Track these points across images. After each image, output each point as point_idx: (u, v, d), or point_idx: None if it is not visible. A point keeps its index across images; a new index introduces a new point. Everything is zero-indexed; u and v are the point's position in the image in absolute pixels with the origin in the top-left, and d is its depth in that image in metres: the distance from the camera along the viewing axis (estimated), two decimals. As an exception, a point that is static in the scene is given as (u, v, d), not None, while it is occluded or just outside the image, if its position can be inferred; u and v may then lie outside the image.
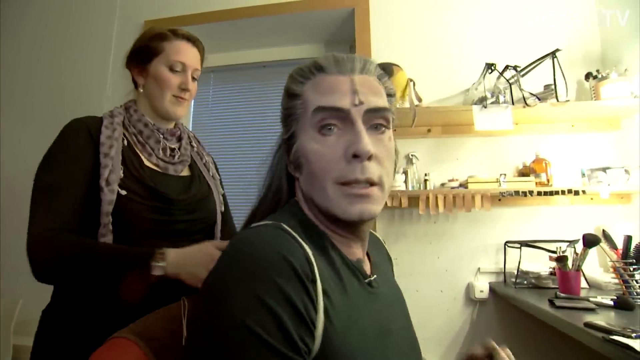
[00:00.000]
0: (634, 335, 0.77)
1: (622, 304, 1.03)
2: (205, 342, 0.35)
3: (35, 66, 2.06)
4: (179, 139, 0.94)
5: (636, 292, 1.09)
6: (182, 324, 0.58)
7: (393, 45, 1.72)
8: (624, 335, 0.77)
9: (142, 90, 0.90)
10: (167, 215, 0.81)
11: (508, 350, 0.56)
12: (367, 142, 0.44)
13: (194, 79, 0.92)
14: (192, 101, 1.01)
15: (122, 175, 0.78)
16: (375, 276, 0.52)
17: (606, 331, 0.81)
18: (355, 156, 0.44)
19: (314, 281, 0.38)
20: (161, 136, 0.89)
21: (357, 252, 0.51)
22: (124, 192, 0.76)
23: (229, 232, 0.98)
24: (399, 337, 0.50)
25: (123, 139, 0.84)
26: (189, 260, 0.71)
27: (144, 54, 0.89)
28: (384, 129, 0.48)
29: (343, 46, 2.08)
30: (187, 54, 0.90)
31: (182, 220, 0.84)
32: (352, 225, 0.48)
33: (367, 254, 0.56)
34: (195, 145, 1.01)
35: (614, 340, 0.76)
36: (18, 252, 2.04)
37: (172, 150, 0.91)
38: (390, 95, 0.52)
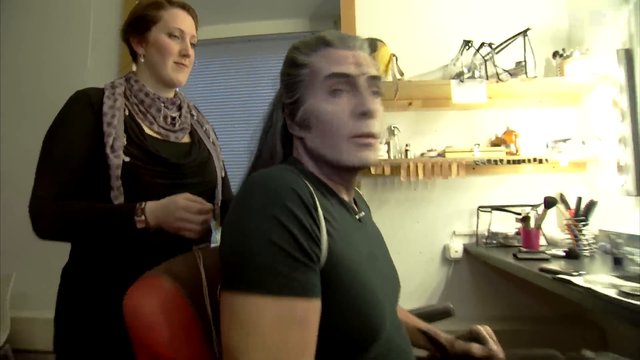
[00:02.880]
0: (574, 273, 0.92)
1: (571, 254, 1.20)
2: (240, 257, 0.45)
3: (18, 44, 2.02)
4: (179, 108, 0.97)
5: (583, 244, 1.26)
6: (199, 267, 0.67)
7: (377, 22, 1.78)
8: (568, 274, 0.92)
9: (142, 60, 0.92)
10: (170, 179, 0.86)
11: (488, 328, 0.68)
12: (372, 102, 0.54)
13: (192, 45, 0.94)
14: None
15: (125, 142, 0.82)
16: (362, 213, 0.63)
17: (554, 273, 0.97)
18: (364, 114, 0.54)
19: (316, 209, 0.48)
20: (162, 105, 0.92)
21: (347, 196, 0.61)
22: (127, 159, 0.81)
23: (228, 195, 1.06)
24: (382, 262, 0.61)
25: (124, 109, 0.87)
26: (163, 211, 0.76)
27: (141, 23, 0.91)
28: (378, 95, 0.58)
29: (327, 21, 2.11)
30: (184, 21, 0.92)
31: (185, 184, 0.88)
32: (352, 172, 0.58)
33: (354, 200, 0.67)
34: (195, 114, 1.03)
35: (559, 278, 0.92)
36: (9, 228, 2.06)
37: (173, 118, 0.94)
38: (378, 77, 0.62)
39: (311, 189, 0.50)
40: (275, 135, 0.64)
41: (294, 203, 0.46)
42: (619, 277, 0.91)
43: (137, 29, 0.91)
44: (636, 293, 0.74)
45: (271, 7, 2.11)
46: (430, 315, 0.94)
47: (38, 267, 1.89)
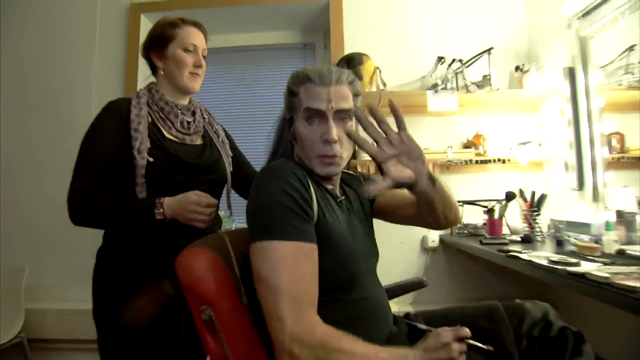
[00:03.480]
0: (523, 252, 1.15)
1: (526, 239, 1.43)
2: (261, 215, 0.67)
3: (23, 44, 2.14)
4: (193, 113, 1.11)
5: (536, 231, 1.50)
6: (226, 243, 0.85)
7: (363, 37, 2.00)
8: (518, 252, 1.15)
9: (162, 72, 1.07)
10: (187, 176, 1.02)
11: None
12: (334, 132, 0.74)
13: (203, 56, 1.10)
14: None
15: (149, 145, 0.97)
16: (343, 197, 0.84)
17: (508, 252, 1.20)
18: (327, 141, 0.74)
19: (309, 186, 0.70)
20: (179, 111, 1.07)
21: (330, 185, 0.82)
22: (151, 159, 0.96)
23: (251, 169, 1.24)
24: (361, 233, 0.83)
25: (148, 116, 1.02)
26: (177, 205, 0.92)
27: (160, 40, 1.05)
28: (347, 119, 0.77)
29: (318, 33, 2.31)
30: (196, 36, 1.07)
31: (200, 180, 1.04)
32: (323, 178, 0.79)
33: (343, 189, 0.87)
34: (206, 117, 1.18)
35: (511, 255, 1.15)
36: (19, 225, 2.18)
37: (188, 123, 1.09)
38: (356, 95, 0.81)
39: (305, 175, 0.72)
40: (282, 140, 0.85)
41: (295, 181, 0.69)
42: (556, 253, 1.14)
43: (157, 45, 1.06)
44: (560, 261, 0.97)
45: (265, 20, 2.27)
46: (407, 286, 1.14)
47: (48, 261, 2.03)
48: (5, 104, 2.10)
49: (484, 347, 0.67)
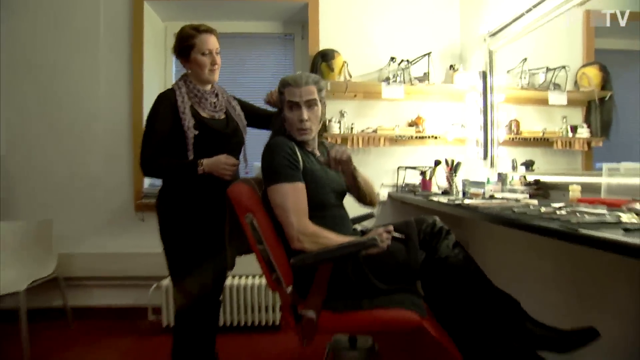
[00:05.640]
0: (441, 199, 1.78)
1: (445, 192, 2.07)
2: (272, 169, 1.20)
3: (28, 31, 2.40)
4: (216, 95, 1.55)
5: (454, 188, 2.15)
6: (253, 184, 1.37)
7: (335, 34, 2.48)
8: (434, 195, 1.78)
9: (189, 71, 1.50)
10: (220, 142, 1.49)
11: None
12: (305, 114, 1.28)
13: (217, 53, 1.48)
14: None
15: (193, 122, 1.41)
16: (319, 154, 1.38)
17: (428, 196, 1.82)
18: (301, 120, 1.28)
19: (296, 151, 1.24)
20: (207, 96, 1.51)
21: (309, 148, 1.35)
22: (196, 132, 1.41)
23: (263, 111, 1.69)
24: (334, 178, 1.36)
25: (188, 101, 1.45)
26: (213, 164, 1.38)
27: (184, 50, 1.45)
28: (314, 105, 1.31)
29: (297, 25, 2.74)
30: (210, 41, 1.45)
31: (228, 143, 1.51)
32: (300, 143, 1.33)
33: (322, 151, 1.42)
34: (225, 96, 1.61)
35: (430, 199, 1.77)
36: (50, 183, 2.54)
37: (214, 103, 1.52)
38: (320, 90, 1.34)
39: (294, 145, 1.26)
40: (280, 122, 1.38)
41: (288, 149, 1.22)
42: (459, 198, 1.77)
43: (183, 54, 1.48)
44: (456, 200, 1.60)
45: (251, 11, 2.63)
46: (362, 217, 1.73)
47: (69, 216, 2.40)
48: (16, 85, 2.38)
49: (400, 235, 1.25)
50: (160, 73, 2.69)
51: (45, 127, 2.40)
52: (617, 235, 0.73)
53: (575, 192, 1.39)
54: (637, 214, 0.93)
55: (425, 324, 1.15)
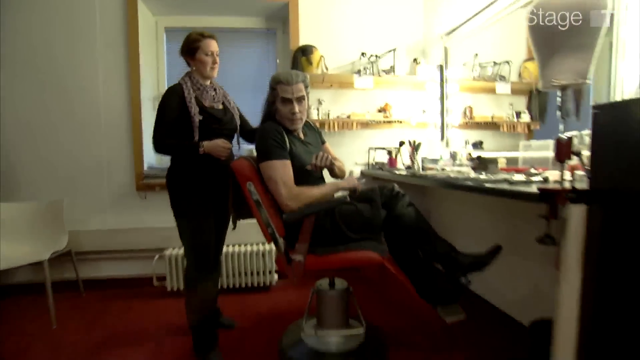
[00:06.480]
0: (404, 170, 2.16)
1: (407, 168, 2.46)
2: (264, 149, 1.54)
3: (31, 14, 2.57)
4: (215, 90, 1.85)
5: (415, 164, 2.54)
6: (251, 160, 1.69)
7: (313, 30, 2.78)
8: (398, 170, 2.16)
9: (194, 68, 1.79)
10: (219, 127, 1.79)
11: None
12: (297, 108, 1.62)
13: (217, 55, 1.81)
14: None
15: (198, 110, 1.72)
16: (303, 137, 1.73)
17: (393, 171, 2.20)
18: (292, 113, 1.62)
19: (284, 136, 1.58)
20: (208, 89, 1.81)
21: (295, 133, 1.69)
22: (201, 118, 1.72)
23: (249, 126, 1.98)
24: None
25: (193, 93, 1.76)
26: (211, 146, 1.69)
27: (191, 50, 1.71)
28: (303, 100, 1.65)
29: (278, 21, 3.01)
30: (212, 45, 1.73)
31: (225, 128, 1.82)
32: (289, 131, 1.67)
33: (306, 133, 1.76)
34: (222, 91, 1.91)
35: (396, 174, 2.15)
36: (61, 165, 2.80)
37: (214, 95, 1.83)
38: (307, 86, 1.67)
39: (282, 129, 1.60)
40: (270, 110, 1.70)
41: (277, 133, 1.56)
42: (417, 171, 2.16)
43: (190, 54, 1.77)
44: (415, 172, 1.98)
45: (235, 6, 2.86)
46: (338, 189, 2.10)
47: (78, 196, 2.64)
48: (20, 71, 2.57)
49: (364, 181, 1.64)
50: (152, 64, 2.92)
51: (51, 119, 2.61)
52: (502, 185, 1.13)
53: (501, 164, 1.80)
54: (527, 175, 1.34)
55: (385, 263, 1.53)
